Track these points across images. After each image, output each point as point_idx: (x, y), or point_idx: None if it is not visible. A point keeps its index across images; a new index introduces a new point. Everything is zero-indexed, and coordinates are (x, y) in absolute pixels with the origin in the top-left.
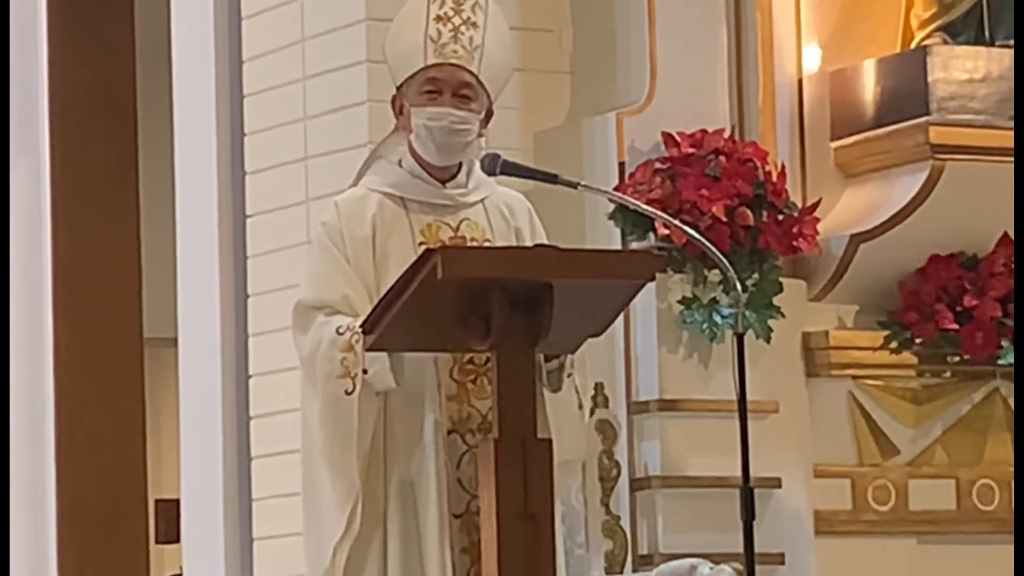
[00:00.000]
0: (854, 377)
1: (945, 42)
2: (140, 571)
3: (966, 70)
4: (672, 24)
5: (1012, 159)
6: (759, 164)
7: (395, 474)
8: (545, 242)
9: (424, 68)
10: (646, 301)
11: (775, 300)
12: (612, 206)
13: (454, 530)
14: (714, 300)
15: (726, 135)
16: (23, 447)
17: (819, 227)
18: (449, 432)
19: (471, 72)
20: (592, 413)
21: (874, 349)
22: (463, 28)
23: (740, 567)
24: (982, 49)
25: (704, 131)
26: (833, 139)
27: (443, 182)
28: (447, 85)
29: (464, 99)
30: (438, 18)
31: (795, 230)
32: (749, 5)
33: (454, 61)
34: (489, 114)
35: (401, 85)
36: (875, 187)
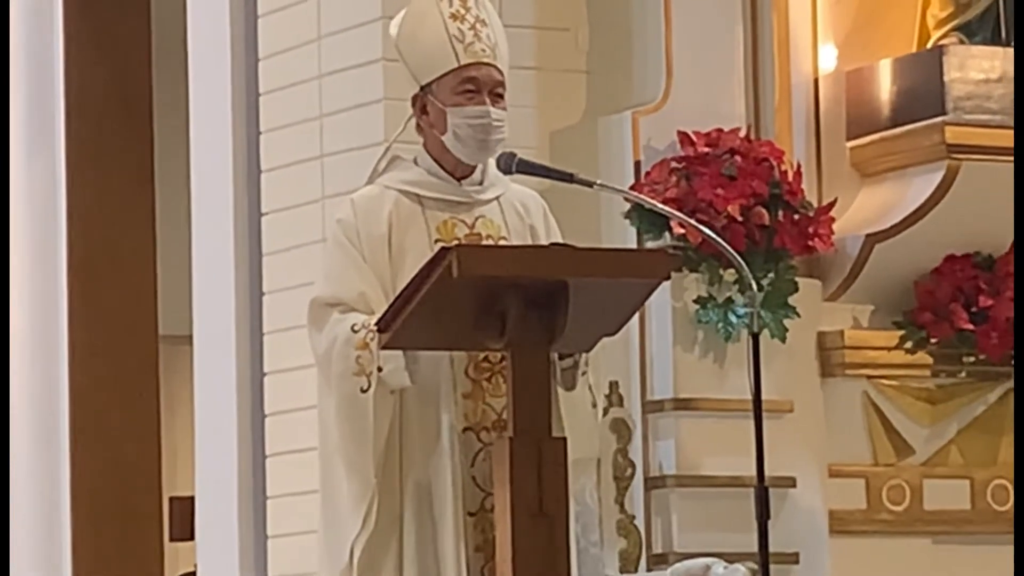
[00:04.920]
0: (869, 377)
1: (961, 42)
2: (154, 568)
3: (982, 70)
4: (688, 23)
5: None
6: (775, 163)
7: (411, 472)
8: (560, 240)
9: (459, 68)
10: (661, 300)
11: (790, 300)
12: (628, 205)
13: (469, 528)
14: (729, 299)
15: (742, 134)
16: (39, 444)
17: (834, 227)
18: (464, 430)
19: (500, 71)
20: (607, 412)
21: (889, 349)
22: (478, 26)
23: (754, 566)
24: (998, 49)
25: (720, 130)
26: (849, 139)
27: (459, 179)
28: (484, 84)
29: (499, 97)
30: (453, 16)
31: (811, 230)
32: (765, 4)
33: (487, 60)
34: None
35: (428, 85)
36: (891, 187)
